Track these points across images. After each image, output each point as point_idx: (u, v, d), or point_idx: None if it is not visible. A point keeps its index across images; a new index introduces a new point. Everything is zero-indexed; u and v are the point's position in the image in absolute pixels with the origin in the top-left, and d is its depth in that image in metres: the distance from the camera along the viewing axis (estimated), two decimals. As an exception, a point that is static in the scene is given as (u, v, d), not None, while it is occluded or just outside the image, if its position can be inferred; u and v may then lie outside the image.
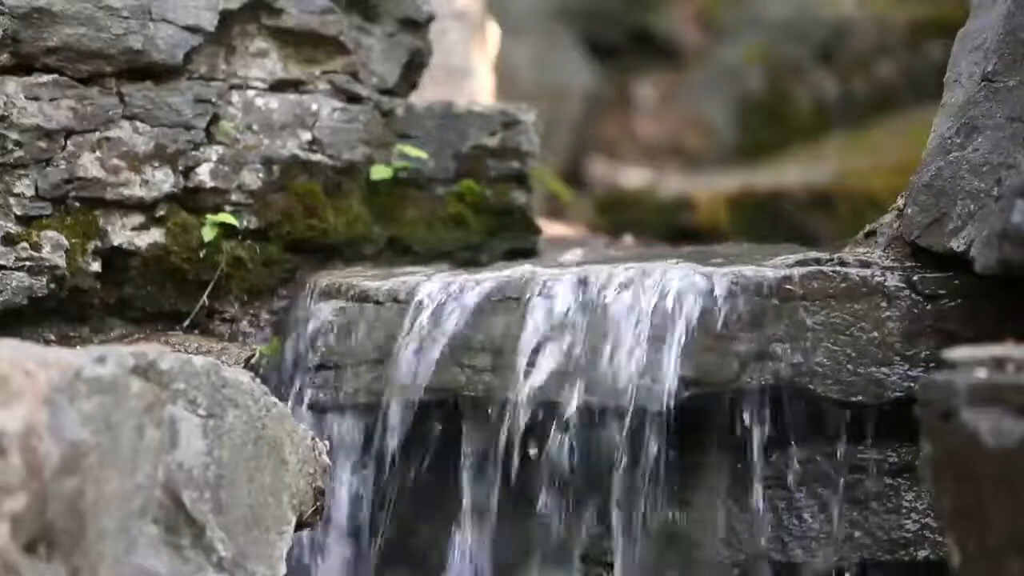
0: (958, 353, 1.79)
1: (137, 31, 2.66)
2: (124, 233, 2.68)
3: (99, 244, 2.66)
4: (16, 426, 1.69)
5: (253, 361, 2.61)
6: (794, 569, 2.40)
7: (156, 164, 2.69)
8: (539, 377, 2.41)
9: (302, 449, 2.14)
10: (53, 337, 2.65)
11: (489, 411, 2.44)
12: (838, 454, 2.41)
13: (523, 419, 2.40)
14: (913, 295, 2.41)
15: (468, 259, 2.95)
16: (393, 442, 2.47)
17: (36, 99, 2.60)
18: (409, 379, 2.47)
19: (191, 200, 2.74)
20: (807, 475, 2.41)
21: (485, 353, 2.46)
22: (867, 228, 2.62)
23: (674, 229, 5.11)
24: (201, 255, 2.73)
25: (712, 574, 2.43)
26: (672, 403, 2.36)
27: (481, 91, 4.22)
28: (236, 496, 2.02)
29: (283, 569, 2.08)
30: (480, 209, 2.97)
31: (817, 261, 2.47)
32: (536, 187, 3.12)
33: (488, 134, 2.99)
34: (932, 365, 2.32)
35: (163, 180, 2.69)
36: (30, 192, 2.60)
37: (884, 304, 2.40)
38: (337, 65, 2.89)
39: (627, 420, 2.37)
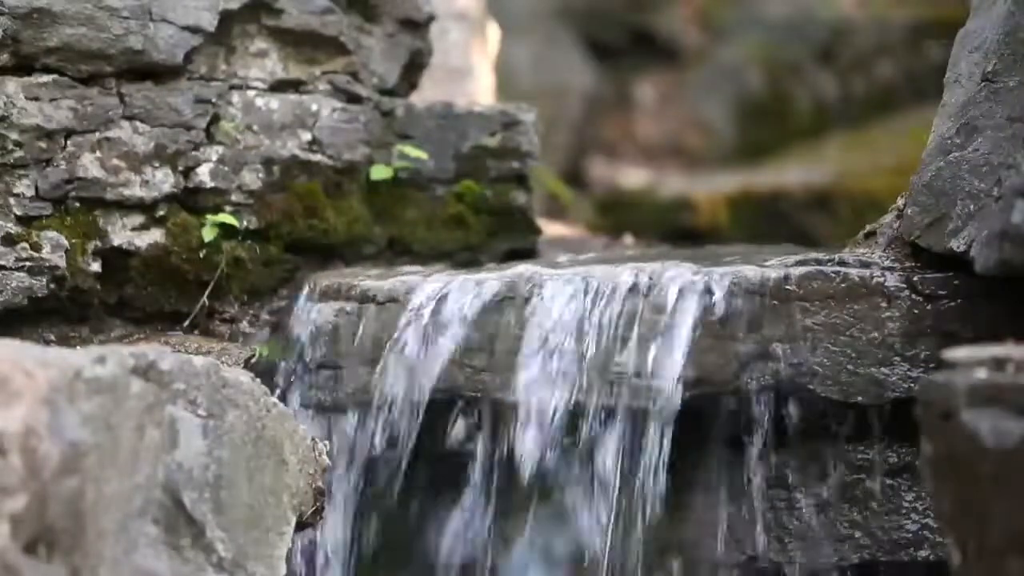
0: (958, 353, 1.79)
1: (137, 31, 2.66)
2: (124, 233, 2.68)
3: (99, 244, 2.66)
4: (16, 426, 1.69)
5: (253, 361, 2.61)
6: (794, 569, 2.40)
7: (156, 164, 2.69)
8: (538, 377, 2.41)
9: (302, 449, 2.14)
10: (53, 337, 2.65)
11: (489, 411, 2.44)
12: (838, 454, 2.41)
13: (521, 419, 2.40)
14: (913, 295, 2.41)
15: (468, 259, 2.95)
16: (391, 441, 2.48)
17: (36, 99, 2.60)
18: (409, 379, 2.47)
19: (191, 200, 2.74)
20: (807, 475, 2.41)
21: (484, 353, 2.46)
22: (867, 228, 2.62)
23: (674, 229, 5.11)
24: (201, 255, 2.73)
25: (712, 574, 2.43)
26: (671, 403, 2.36)
27: (481, 91, 4.22)
28: (236, 496, 2.02)
29: (283, 569, 2.07)
30: (480, 209, 2.97)
31: (817, 261, 2.47)
32: (536, 187, 3.12)
33: (488, 134, 2.99)
34: (932, 365, 2.32)
35: (163, 180, 2.70)
36: (30, 192, 2.60)
37: (884, 304, 2.40)
38: (337, 65, 2.89)
39: (626, 420, 2.37)
